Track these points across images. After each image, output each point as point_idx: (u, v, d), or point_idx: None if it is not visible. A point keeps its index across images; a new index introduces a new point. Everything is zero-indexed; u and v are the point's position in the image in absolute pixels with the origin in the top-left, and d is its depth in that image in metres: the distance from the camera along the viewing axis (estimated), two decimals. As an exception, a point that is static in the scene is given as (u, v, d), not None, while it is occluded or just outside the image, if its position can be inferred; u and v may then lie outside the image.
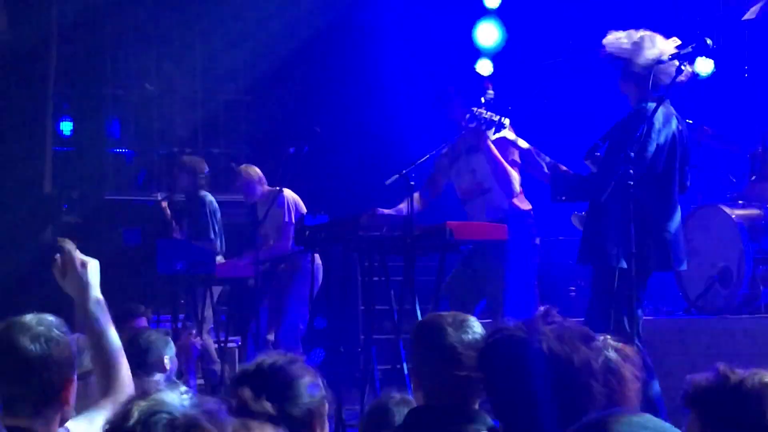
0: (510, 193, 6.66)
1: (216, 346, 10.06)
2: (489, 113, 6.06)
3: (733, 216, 7.84)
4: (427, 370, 3.32)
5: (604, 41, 5.55)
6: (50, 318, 3.10)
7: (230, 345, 10.33)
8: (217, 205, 9.76)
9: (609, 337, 3.37)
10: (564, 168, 5.74)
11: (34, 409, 3.00)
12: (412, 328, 3.55)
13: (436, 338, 3.29)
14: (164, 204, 9.87)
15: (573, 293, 9.40)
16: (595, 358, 2.69)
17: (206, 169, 9.82)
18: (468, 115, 6.29)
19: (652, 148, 5.33)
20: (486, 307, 6.71)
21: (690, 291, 8.03)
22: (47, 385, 3.01)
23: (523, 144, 5.95)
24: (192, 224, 9.62)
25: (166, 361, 5.52)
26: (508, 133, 6.05)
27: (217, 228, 9.59)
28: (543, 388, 2.59)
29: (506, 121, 6.01)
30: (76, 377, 3.10)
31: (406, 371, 6.06)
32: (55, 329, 3.06)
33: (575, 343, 2.65)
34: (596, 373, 2.65)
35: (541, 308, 2.75)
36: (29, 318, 3.08)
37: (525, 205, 6.82)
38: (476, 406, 3.26)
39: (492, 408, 2.85)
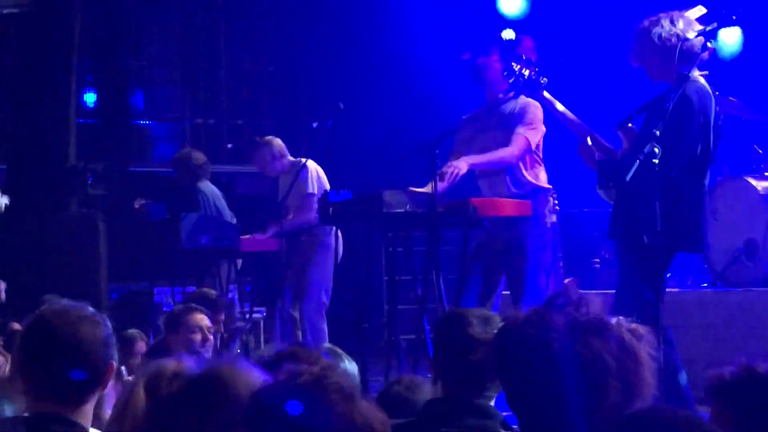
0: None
1: (241, 317, 10.12)
2: (527, 70, 6.00)
3: (759, 188, 7.82)
4: (447, 362, 3.34)
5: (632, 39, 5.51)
6: (81, 304, 3.11)
7: (255, 316, 10.40)
8: (216, 194, 9.73)
9: (622, 318, 3.36)
10: (610, 146, 5.69)
11: (77, 395, 3.00)
12: (437, 321, 3.56)
13: (459, 332, 3.31)
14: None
15: (597, 265, 9.37)
16: (609, 350, 2.66)
17: (202, 160, 9.77)
18: (505, 72, 6.23)
19: (693, 129, 5.30)
20: (507, 284, 6.70)
21: (716, 263, 8.01)
22: (94, 369, 3.01)
23: (562, 108, 5.89)
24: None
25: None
26: (546, 94, 5.99)
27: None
28: (555, 383, 2.58)
29: (544, 81, 5.96)
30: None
31: (429, 342, 6.07)
32: (91, 314, 3.07)
33: (587, 337, 2.63)
34: (610, 366, 2.63)
35: (553, 293, 2.71)
36: (66, 304, 3.09)
37: (544, 183, 6.77)
38: (492, 402, 3.28)
39: (506, 400, 2.84)
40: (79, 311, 3.05)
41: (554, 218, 6.86)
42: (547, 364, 2.56)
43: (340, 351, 3.58)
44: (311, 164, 8.87)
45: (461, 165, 6.30)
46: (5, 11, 10.03)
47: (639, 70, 5.63)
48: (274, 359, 2.93)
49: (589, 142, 5.63)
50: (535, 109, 6.56)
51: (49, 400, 2.98)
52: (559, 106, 5.83)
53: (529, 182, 6.65)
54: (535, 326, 2.61)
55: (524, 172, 6.64)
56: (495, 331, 3.30)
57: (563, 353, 2.57)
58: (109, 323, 3.10)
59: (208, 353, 5.79)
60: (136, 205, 9.75)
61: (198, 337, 5.87)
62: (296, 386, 2.18)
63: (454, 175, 6.21)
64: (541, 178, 6.72)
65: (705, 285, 8.34)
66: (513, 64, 6.06)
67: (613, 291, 5.58)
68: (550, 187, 6.77)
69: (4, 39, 10.47)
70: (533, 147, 6.66)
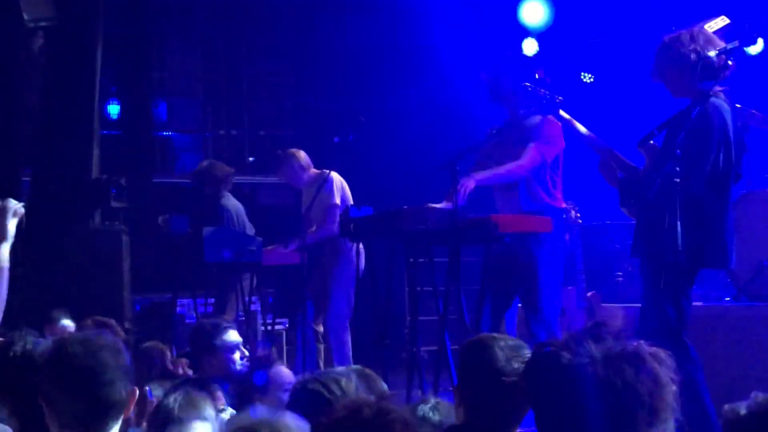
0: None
1: (263, 328, 10.14)
2: (544, 90, 6.00)
3: (783, 201, 7.79)
4: (471, 388, 3.33)
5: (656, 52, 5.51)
6: (102, 333, 3.13)
7: (277, 327, 10.42)
8: (239, 208, 9.77)
9: (643, 342, 3.36)
10: (629, 163, 5.68)
11: (100, 424, 3.01)
12: (462, 348, 3.55)
13: (486, 359, 3.30)
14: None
15: (620, 279, 9.34)
16: (642, 381, 2.66)
17: (227, 171, 9.84)
18: (519, 91, 6.22)
19: (713, 147, 5.29)
20: (521, 300, 6.71)
21: (739, 277, 7.97)
22: (116, 398, 3.03)
23: (581, 127, 5.89)
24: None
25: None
26: (563, 113, 5.99)
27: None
28: (587, 409, 2.58)
29: (559, 99, 5.96)
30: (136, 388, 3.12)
31: (450, 359, 6.07)
32: (112, 342, 3.08)
33: (623, 366, 2.63)
34: (642, 395, 2.63)
35: (591, 322, 2.70)
36: (87, 332, 3.12)
37: (558, 201, 6.78)
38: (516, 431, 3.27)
39: (536, 424, 2.84)
40: (99, 340, 3.07)
41: (566, 237, 6.87)
42: (580, 391, 2.57)
43: (369, 372, 3.57)
44: (336, 176, 8.88)
45: (469, 182, 6.32)
46: (31, 24, 10.08)
47: (660, 86, 5.62)
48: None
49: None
50: (551, 124, 6.56)
51: (72, 429, 3.00)
52: (578, 125, 5.83)
53: (542, 199, 6.65)
54: (570, 353, 2.61)
55: (539, 187, 6.64)
56: (522, 361, 3.30)
57: (596, 380, 2.58)
58: (126, 351, 3.11)
59: (246, 368, 5.79)
60: (160, 221, 9.80)
61: (237, 355, 5.86)
62: (361, 421, 2.18)
63: (462, 192, 6.21)
64: (556, 196, 6.72)
65: (728, 299, 8.30)
66: (527, 84, 6.06)
67: (636, 304, 5.59)
68: (564, 206, 6.77)
69: (29, 51, 10.52)
70: (549, 162, 6.65)
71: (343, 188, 8.93)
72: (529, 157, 6.60)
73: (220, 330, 5.90)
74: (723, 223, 5.42)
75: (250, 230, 9.70)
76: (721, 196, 5.43)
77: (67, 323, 6.42)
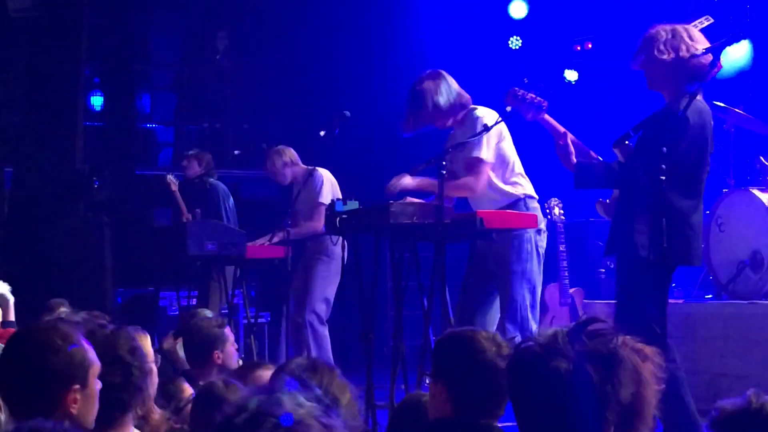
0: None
1: (246, 321, 10.14)
2: (530, 94, 6.01)
3: (765, 200, 7.81)
4: (460, 380, 3.36)
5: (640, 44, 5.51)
6: (64, 327, 3.12)
7: (260, 321, 10.42)
8: (228, 192, 9.83)
9: (628, 337, 3.38)
10: (594, 155, 5.70)
11: (35, 415, 3.03)
12: (445, 341, 3.56)
13: (473, 351, 3.33)
14: (173, 186, 10.02)
15: (603, 275, 9.38)
16: (618, 379, 2.68)
17: (212, 163, 9.90)
18: (508, 97, 6.22)
19: (684, 145, 5.30)
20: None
21: (720, 275, 8.02)
22: (45, 394, 3.04)
23: (559, 127, 5.91)
24: (204, 212, 9.68)
25: (218, 355, 5.73)
26: (547, 117, 6.00)
27: (228, 214, 9.63)
28: (565, 409, 2.60)
29: (545, 104, 5.97)
30: (80, 387, 3.08)
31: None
32: (59, 339, 3.07)
33: (602, 363, 2.65)
34: (618, 395, 2.65)
35: (582, 317, 2.72)
36: (44, 325, 3.14)
37: (520, 191, 6.78)
38: (497, 422, 3.32)
39: (516, 420, 2.86)
40: (48, 335, 3.07)
41: (542, 225, 6.74)
42: (558, 391, 2.58)
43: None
44: (325, 173, 8.87)
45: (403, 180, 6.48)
46: (14, 15, 10.05)
47: (640, 88, 5.63)
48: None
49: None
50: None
51: (18, 417, 3.04)
52: (559, 128, 5.84)
53: (506, 193, 6.64)
54: (550, 352, 2.63)
55: (500, 184, 6.63)
56: (506, 353, 3.33)
57: (574, 380, 2.59)
58: (74, 350, 3.08)
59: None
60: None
61: (235, 348, 5.94)
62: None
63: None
64: (518, 188, 6.70)
65: (710, 297, 8.35)
66: (516, 88, 6.06)
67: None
68: (529, 196, 6.71)
69: (13, 42, 10.49)
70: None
71: (332, 185, 8.92)
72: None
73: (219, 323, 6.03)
74: (687, 220, 5.41)
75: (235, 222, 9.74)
76: (688, 194, 5.42)
77: (66, 311, 6.42)
